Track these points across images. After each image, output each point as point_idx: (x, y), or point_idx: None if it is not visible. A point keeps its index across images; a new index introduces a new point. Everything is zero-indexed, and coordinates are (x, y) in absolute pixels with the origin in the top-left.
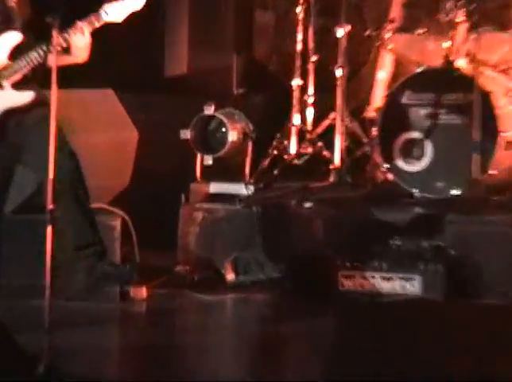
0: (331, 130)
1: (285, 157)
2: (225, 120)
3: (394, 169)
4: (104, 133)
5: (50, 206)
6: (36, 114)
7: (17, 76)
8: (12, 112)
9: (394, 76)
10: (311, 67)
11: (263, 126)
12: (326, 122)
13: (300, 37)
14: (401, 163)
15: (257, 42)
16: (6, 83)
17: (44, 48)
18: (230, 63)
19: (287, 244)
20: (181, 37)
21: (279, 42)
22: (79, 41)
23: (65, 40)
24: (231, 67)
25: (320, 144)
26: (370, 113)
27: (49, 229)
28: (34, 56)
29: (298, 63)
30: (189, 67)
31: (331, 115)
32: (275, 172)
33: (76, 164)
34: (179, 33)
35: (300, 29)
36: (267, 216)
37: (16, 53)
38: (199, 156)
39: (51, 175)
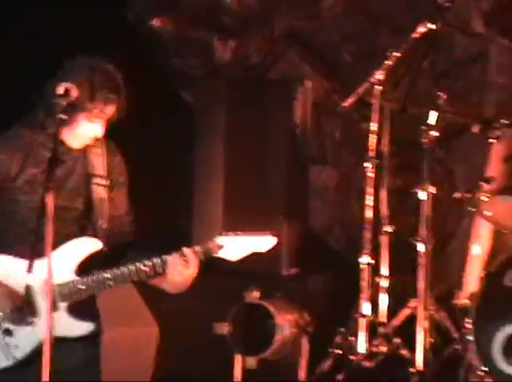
0: (411, 322)
1: (352, 357)
2: (272, 310)
3: (495, 373)
4: (116, 329)
5: None
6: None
7: (80, 297)
8: (61, 341)
9: (493, 252)
10: (384, 240)
11: (322, 318)
12: (405, 313)
13: (369, 201)
14: (504, 365)
15: (313, 208)
16: (63, 305)
17: (141, 268)
18: (278, 234)
19: None
20: (214, 197)
21: (342, 208)
22: (179, 273)
23: (160, 265)
24: (280, 240)
25: (396, 341)
26: (463, 300)
27: None
28: (113, 277)
29: (368, 235)
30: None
31: (412, 303)
32: (338, 377)
33: None
34: (211, 193)
35: (369, 190)
36: None
37: (87, 263)
38: (238, 357)
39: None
